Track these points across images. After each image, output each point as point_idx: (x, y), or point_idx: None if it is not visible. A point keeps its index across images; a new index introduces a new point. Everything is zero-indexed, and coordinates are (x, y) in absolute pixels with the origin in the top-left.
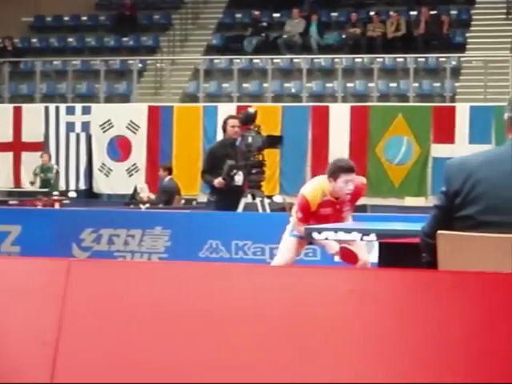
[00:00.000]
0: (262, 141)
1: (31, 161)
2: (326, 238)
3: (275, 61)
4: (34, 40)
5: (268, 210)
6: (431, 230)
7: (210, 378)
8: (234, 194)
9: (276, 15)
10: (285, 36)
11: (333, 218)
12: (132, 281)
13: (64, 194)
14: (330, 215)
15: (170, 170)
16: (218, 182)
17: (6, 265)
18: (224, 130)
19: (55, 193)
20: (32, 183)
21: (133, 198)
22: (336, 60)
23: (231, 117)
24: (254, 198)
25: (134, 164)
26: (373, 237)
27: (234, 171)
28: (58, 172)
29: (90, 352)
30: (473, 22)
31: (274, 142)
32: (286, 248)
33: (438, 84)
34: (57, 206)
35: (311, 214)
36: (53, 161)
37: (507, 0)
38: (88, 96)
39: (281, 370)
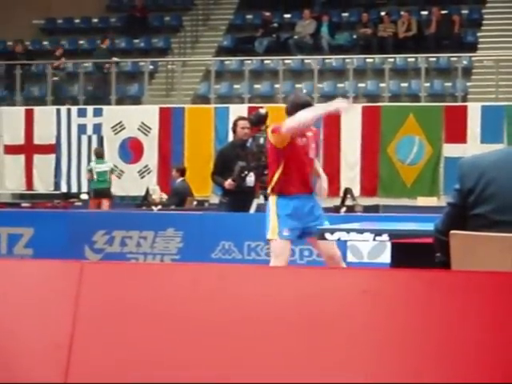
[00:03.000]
0: None
1: (43, 163)
2: (339, 239)
3: (286, 61)
4: (45, 42)
5: None
6: (444, 228)
7: (225, 378)
8: (246, 195)
9: (287, 16)
10: (296, 37)
11: (303, 152)
12: (145, 283)
13: (76, 196)
14: (305, 146)
15: (182, 172)
16: (228, 183)
17: (19, 267)
18: (234, 131)
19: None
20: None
21: (145, 200)
22: (347, 60)
23: (241, 118)
24: (266, 198)
25: (146, 166)
26: (385, 237)
27: (245, 172)
28: (113, 170)
29: (103, 354)
30: (484, 22)
31: None
32: (281, 253)
33: (449, 84)
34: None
35: (292, 144)
36: (64, 163)
37: None
38: (99, 98)
39: (295, 371)
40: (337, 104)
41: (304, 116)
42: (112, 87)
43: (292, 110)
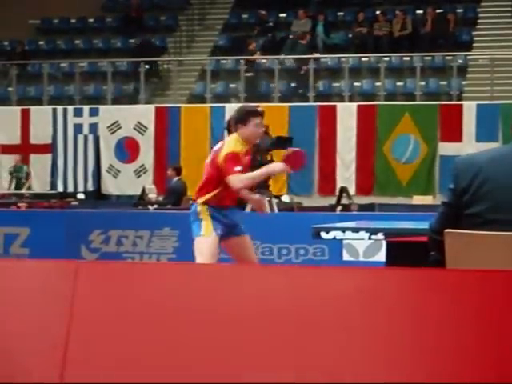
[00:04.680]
0: (270, 141)
1: (39, 163)
2: (334, 238)
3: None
4: (42, 42)
5: (276, 210)
6: (439, 227)
7: (216, 377)
8: None
9: (282, 15)
10: (291, 36)
11: (245, 170)
12: (141, 282)
13: (72, 195)
14: (247, 165)
15: (178, 171)
16: None
17: (15, 267)
18: (229, 130)
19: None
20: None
21: (141, 199)
22: (342, 59)
23: None
24: None
25: (142, 165)
26: (380, 236)
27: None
28: (28, 173)
29: (99, 353)
30: (479, 20)
31: (283, 143)
32: (209, 251)
33: (444, 82)
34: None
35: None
36: (61, 162)
37: None
38: (95, 98)
39: (288, 370)
40: (276, 168)
41: (252, 177)
42: (108, 87)
43: (239, 119)
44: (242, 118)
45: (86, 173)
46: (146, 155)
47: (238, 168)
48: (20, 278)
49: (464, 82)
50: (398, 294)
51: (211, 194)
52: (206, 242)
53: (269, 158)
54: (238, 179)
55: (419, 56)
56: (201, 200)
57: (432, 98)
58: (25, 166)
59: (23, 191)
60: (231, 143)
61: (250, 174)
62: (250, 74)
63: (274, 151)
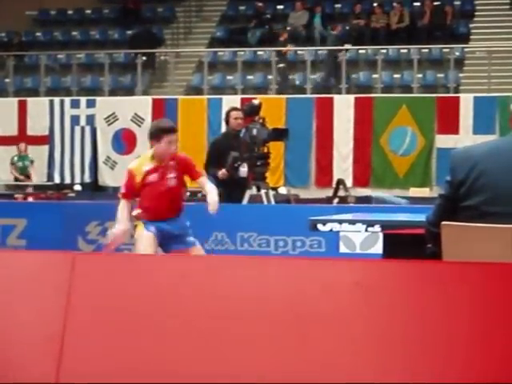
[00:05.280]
0: (267, 133)
1: (36, 154)
2: (331, 230)
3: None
4: (39, 34)
5: (273, 202)
6: (435, 219)
7: (212, 371)
8: (239, 186)
9: (279, 7)
10: (288, 28)
11: (158, 185)
12: (137, 274)
13: (69, 187)
14: (156, 182)
15: None
16: (221, 173)
17: (11, 258)
18: (227, 122)
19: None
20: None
21: None
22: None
23: (234, 109)
24: (258, 189)
25: (139, 157)
26: (377, 228)
27: (238, 163)
28: (33, 161)
29: (96, 345)
30: (476, 13)
31: (279, 134)
32: (144, 247)
33: (441, 75)
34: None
35: (138, 186)
36: (58, 154)
37: None
38: (92, 89)
39: (285, 365)
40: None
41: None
42: (105, 78)
43: (153, 135)
44: (156, 134)
45: (83, 164)
46: (143, 147)
47: (123, 190)
48: (17, 269)
49: (461, 75)
50: (394, 285)
51: (139, 211)
52: (139, 239)
53: (265, 150)
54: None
55: (416, 48)
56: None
57: (429, 91)
58: (29, 154)
59: (31, 182)
60: (137, 160)
61: (118, 211)
62: (248, 66)
63: (271, 143)
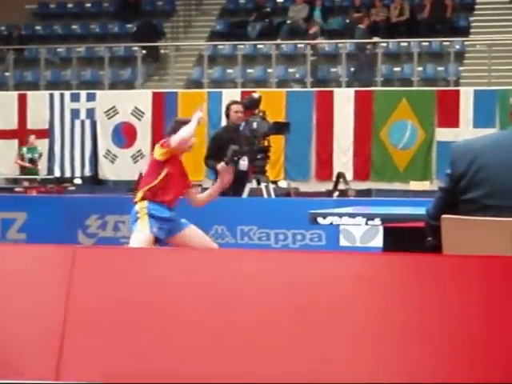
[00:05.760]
0: (267, 127)
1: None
2: (331, 223)
3: (279, 46)
4: (38, 27)
5: (273, 195)
6: (436, 212)
7: (212, 365)
8: (239, 180)
9: (279, 0)
10: (288, 21)
11: (180, 173)
12: (138, 267)
13: (69, 180)
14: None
15: None
16: (220, 166)
17: (11, 252)
18: (227, 115)
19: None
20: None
21: (138, 185)
22: (340, 45)
23: (234, 102)
24: (259, 183)
25: (139, 150)
26: (377, 221)
27: (238, 156)
28: (41, 154)
29: (96, 339)
30: (477, 6)
31: (280, 128)
32: (138, 242)
33: (441, 68)
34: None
35: (174, 158)
36: (58, 147)
37: None
38: (92, 83)
39: (285, 357)
40: (197, 115)
41: (187, 129)
42: (105, 72)
43: (176, 127)
44: (177, 125)
45: (83, 158)
46: (143, 140)
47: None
48: (17, 263)
49: (461, 68)
50: (395, 279)
51: (148, 187)
52: (139, 238)
53: (265, 143)
54: (173, 139)
55: (417, 42)
56: (138, 197)
57: (429, 84)
58: (38, 146)
59: (39, 176)
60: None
61: (183, 129)
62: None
63: (272, 136)
